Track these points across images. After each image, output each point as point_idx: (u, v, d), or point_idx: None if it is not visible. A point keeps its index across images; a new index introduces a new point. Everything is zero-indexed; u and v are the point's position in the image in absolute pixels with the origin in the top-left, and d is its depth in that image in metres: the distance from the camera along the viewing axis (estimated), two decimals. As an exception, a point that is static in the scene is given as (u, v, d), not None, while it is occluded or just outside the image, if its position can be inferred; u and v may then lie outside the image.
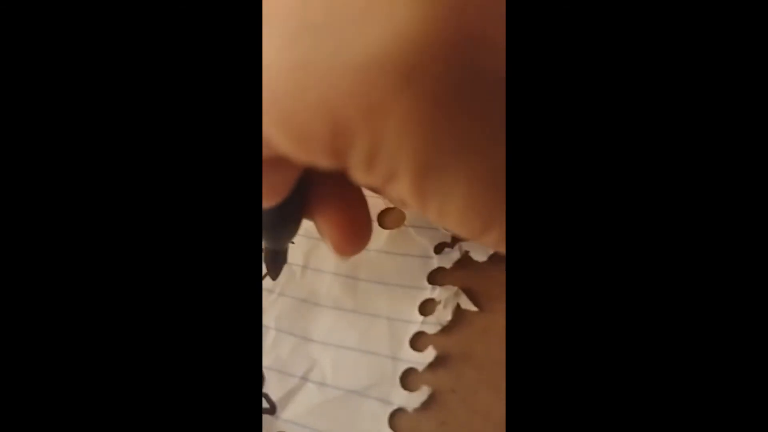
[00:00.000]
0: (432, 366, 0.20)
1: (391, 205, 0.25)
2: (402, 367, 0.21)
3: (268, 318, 0.23)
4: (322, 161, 0.11)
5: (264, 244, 0.23)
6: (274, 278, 0.23)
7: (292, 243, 0.23)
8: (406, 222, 0.25)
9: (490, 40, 0.10)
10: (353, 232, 0.19)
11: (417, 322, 0.22)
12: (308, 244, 0.25)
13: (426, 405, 0.20)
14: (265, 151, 0.11)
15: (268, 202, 0.16)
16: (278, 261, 0.23)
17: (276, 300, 0.24)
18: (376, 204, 0.25)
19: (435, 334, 0.21)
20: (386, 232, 0.25)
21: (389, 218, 0.25)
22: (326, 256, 0.25)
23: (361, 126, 0.10)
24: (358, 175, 0.11)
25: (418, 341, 0.21)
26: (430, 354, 0.21)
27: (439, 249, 0.23)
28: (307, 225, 0.26)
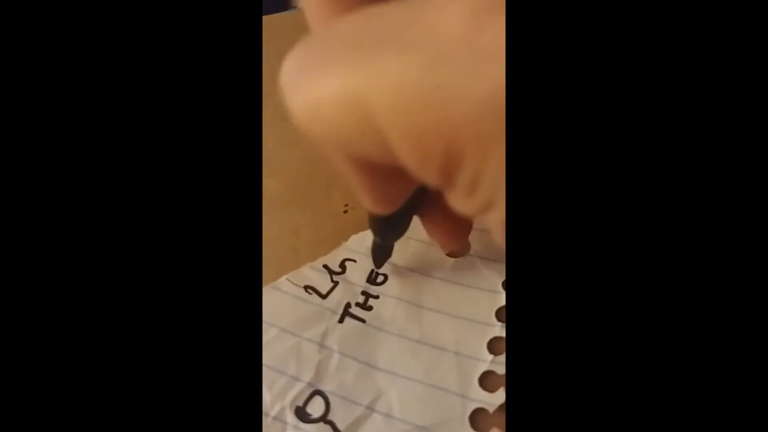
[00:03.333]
0: (503, 408, 0.20)
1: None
2: (471, 407, 0.21)
3: (331, 340, 0.23)
4: (432, 177, 0.12)
5: (374, 239, 0.23)
6: (377, 267, 0.24)
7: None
8: (471, 251, 0.25)
9: None
10: (457, 233, 0.22)
11: (486, 361, 0.22)
12: (370, 264, 0.25)
13: (496, 447, 0.20)
14: (385, 159, 0.12)
15: (383, 210, 0.17)
16: (384, 253, 0.24)
17: (337, 322, 0.23)
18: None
19: (505, 375, 0.21)
20: (451, 260, 0.25)
21: (455, 246, 0.25)
22: (389, 279, 0.24)
23: (471, 151, 0.11)
24: (459, 199, 0.13)
25: (487, 380, 0.21)
26: (501, 396, 0.21)
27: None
28: (367, 242, 0.25)
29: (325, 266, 0.25)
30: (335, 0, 0.15)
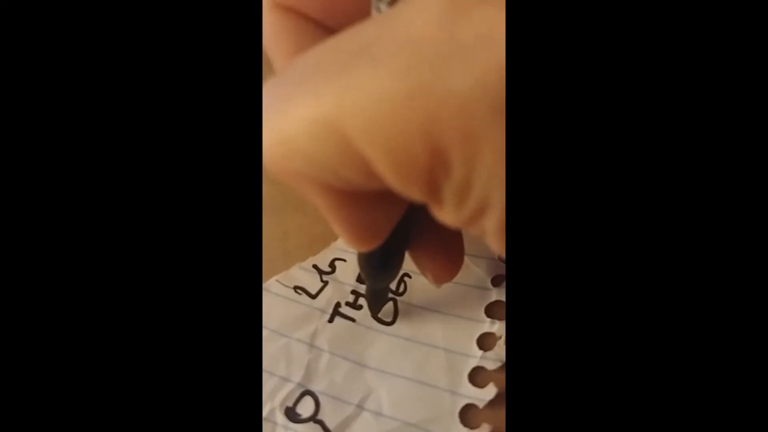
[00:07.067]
0: (493, 404, 0.20)
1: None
2: (461, 403, 0.21)
3: (321, 340, 0.23)
4: (418, 190, 0.11)
5: (366, 284, 0.23)
6: (374, 315, 0.23)
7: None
8: (460, 248, 0.25)
9: None
10: (451, 263, 0.21)
11: (476, 357, 0.22)
12: (360, 264, 0.25)
13: (486, 443, 0.20)
14: (366, 183, 0.12)
15: (369, 244, 0.16)
16: (380, 298, 0.23)
17: (327, 321, 0.23)
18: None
19: (495, 371, 0.21)
20: (440, 257, 0.25)
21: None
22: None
23: (459, 154, 0.10)
24: (449, 210, 0.12)
25: (477, 376, 0.21)
26: (491, 391, 0.21)
27: (496, 281, 0.23)
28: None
29: (315, 266, 0.25)
30: (295, 36, 0.15)
